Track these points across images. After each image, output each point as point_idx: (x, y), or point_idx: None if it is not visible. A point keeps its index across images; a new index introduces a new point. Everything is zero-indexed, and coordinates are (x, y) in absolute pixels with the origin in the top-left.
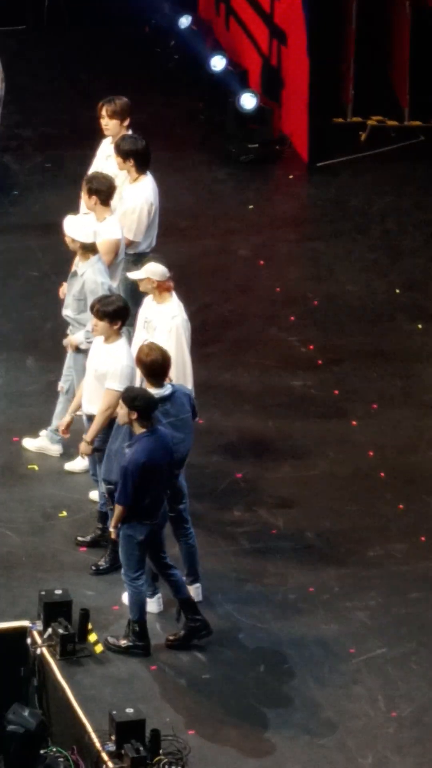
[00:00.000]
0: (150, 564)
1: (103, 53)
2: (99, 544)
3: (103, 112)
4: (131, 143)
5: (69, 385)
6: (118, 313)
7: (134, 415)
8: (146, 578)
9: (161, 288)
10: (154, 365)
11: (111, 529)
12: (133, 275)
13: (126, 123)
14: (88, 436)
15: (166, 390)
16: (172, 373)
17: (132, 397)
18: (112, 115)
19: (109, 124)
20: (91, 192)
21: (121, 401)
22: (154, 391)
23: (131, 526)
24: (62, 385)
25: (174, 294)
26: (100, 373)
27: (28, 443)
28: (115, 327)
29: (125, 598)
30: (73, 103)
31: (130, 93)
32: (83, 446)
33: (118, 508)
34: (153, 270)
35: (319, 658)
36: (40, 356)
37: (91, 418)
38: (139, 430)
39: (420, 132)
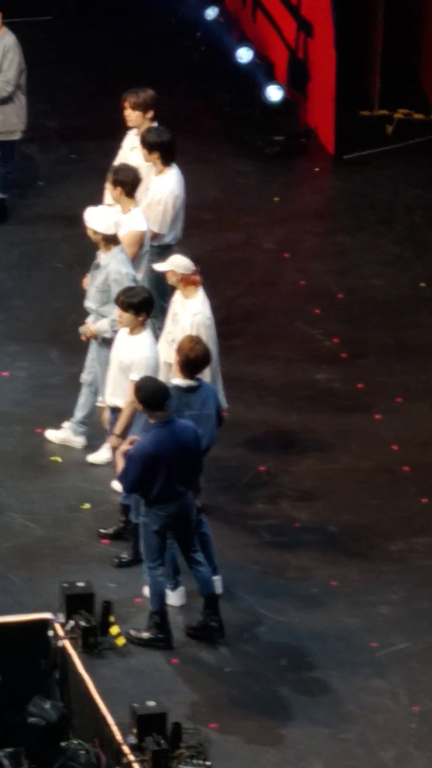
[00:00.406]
0: (179, 556)
1: (130, 44)
2: (122, 537)
3: (126, 104)
4: (156, 135)
5: (92, 377)
6: (143, 304)
7: (139, 406)
8: (167, 569)
9: (186, 281)
10: (196, 359)
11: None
12: (159, 267)
13: (149, 115)
14: (118, 429)
15: (192, 382)
16: None
17: (137, 387)
18: (134, 107)
19: (131, 115)
20: (116, 183)
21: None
22: (181, 382)
23: (147, 514)
24: (85, 377)
25: (201, 289)
26: (124, 365)
27: (51, 435)
28: (140, 318)
29: (147, 590)
30: (98, 95)
31: (155, 84)
32: (114, 440)
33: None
34: (177, 263)
35: (341, 651)
36: (64, 348)
37: (114, 410)
38: (150, 420)
39: None
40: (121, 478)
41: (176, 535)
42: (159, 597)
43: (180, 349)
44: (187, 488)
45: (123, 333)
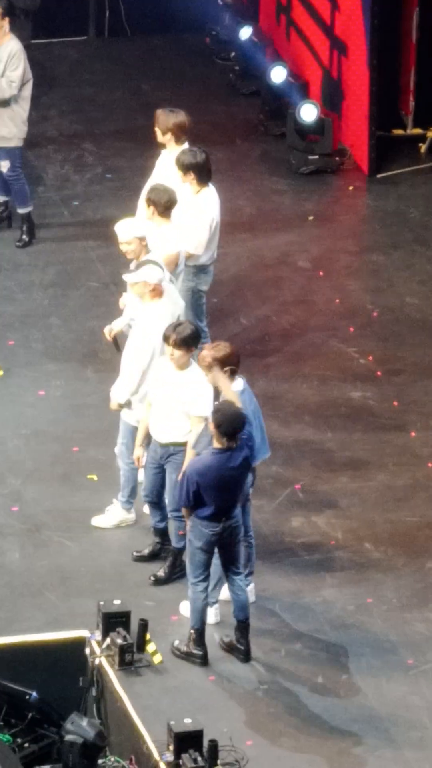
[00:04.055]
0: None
1: (164, 64)
2: (157, 557)
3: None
4: (191, 157)
5: None
6: (194, 338)
7: (213, 429)
8: (209, 586)
9: (155, 293)
10: (230, 357)
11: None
12: (129, 277)
13: (167, 137)
14: (138, 441)
15: (239, 385)
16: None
17: (216, 408)
18: (156, 124)
19: (157, 133)
20: (149, 202)
21: (211, 418)
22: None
23: (192, 530)
24: None
25: (162, 299)
26: (184, 402)
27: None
28: (190, 354)
29: (182, 607)
30: (133, 114)
31: (190, 104)
32: (139, 450)
33: (183, 509)
34: (150, 274)
35: (377, 669)
36: (100, 367)
37: (166, 446)
38: (215, 444)
39: None
40: (177, 499)
41: (221, 553)
42: (197, 613)
43: (209, 362)
44: (234, 508)
45: (168, 370)
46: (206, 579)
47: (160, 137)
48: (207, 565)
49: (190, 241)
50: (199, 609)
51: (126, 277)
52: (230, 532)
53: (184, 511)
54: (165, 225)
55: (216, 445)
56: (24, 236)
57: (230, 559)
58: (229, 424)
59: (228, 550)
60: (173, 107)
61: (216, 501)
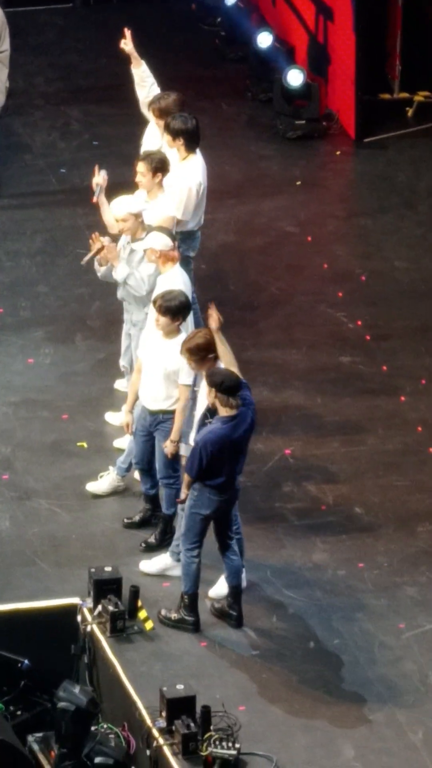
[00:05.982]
0: (216, 541)
1: (150, 31)
2: (148, 523)
3: (152, 113)
4: (182, 122)
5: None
6: (180, 308)
7: (214, 392)
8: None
9: (165, 258)
10: (198, 347)
11: (181, 496)
12: (138, 245)
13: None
14: (174, 435)
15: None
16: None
17: (215, 381)
18: (160, 115)
19: (159, 124)
20: (156, 170)
21: (207, 384)
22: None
23: (199, 499)
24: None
25: (176, 266)
26: (170, 371)
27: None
28: (176, 323)
29: (144, 565)
30: (119, 81)
31: (176, 70)
32: (171, 446)
33: (186, 477)
34: (156, 240)
35: (369, 633)
36: (88, 334)
37: (155, 413)
38: (222, 412)
39: None
40: (188, 469)
41: (219, 520)
42: (191, 578)
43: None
44: (240, 473)
45: (157, 338)
46: (201, 545)
47: (159, 125)
48: (205, 532)
49: (177, 207)
50: (192, 573)
51: (135, 245)
52: (236, 496)
53: (186, 481)
54: (159, 191)
55: (223, 413)
56: None
57: (226, 524)
58: (233, 384)
59: (226, 516)
60: (163, 92)
61: (226, 469)
